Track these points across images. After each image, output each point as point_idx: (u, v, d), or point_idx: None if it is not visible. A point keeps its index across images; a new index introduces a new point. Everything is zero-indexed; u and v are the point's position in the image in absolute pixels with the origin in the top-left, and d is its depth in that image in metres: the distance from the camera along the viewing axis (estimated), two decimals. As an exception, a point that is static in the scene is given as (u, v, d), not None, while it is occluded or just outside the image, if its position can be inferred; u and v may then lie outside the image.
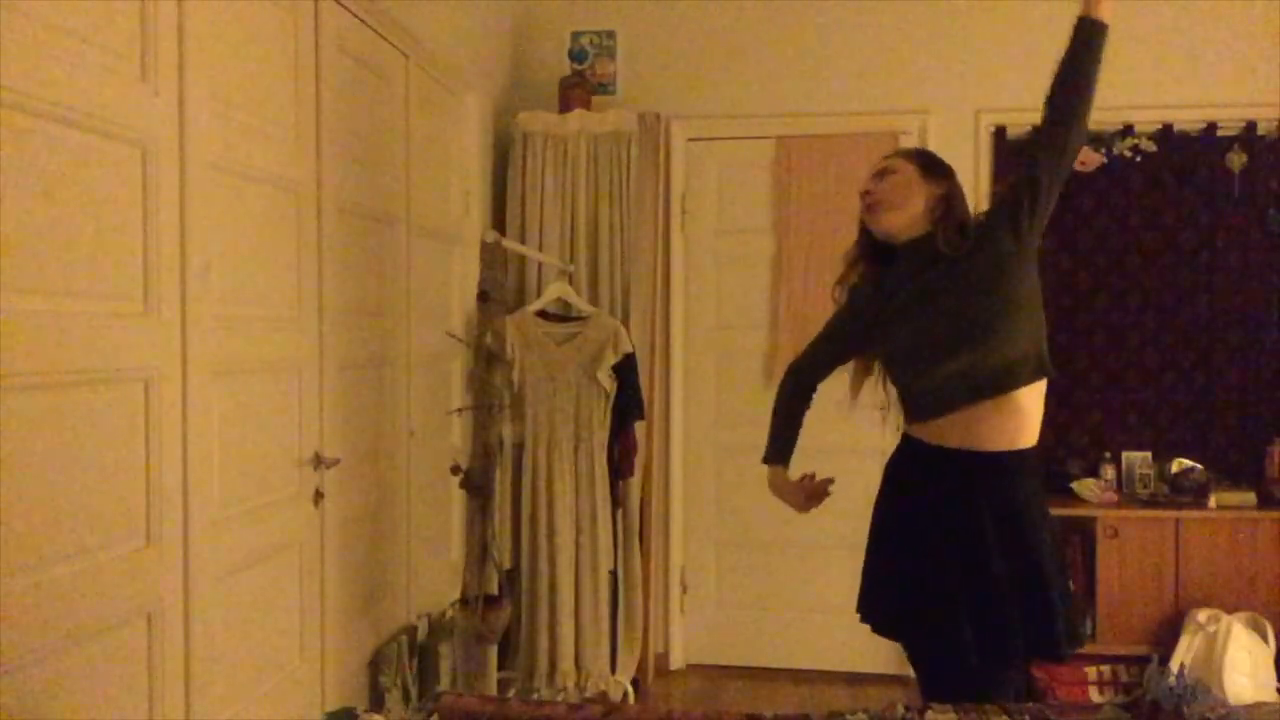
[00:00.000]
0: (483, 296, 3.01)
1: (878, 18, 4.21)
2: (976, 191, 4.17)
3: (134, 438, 1.92)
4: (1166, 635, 3.76)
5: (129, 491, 1.91)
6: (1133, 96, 4.08)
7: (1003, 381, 2.06)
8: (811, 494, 2.34)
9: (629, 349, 3.77)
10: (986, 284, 2.06)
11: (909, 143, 4.17)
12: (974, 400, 2.05)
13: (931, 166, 2.20)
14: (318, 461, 2.61)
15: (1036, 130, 2.13)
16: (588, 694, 3.68)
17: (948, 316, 2.07)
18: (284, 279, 2.48)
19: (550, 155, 3.99)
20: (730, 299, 4.36)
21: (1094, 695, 3.82)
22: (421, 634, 3.20)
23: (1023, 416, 2.08)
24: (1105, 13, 2.24)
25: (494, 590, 3.04)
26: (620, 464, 3.85)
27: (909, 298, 2.14)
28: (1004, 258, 2.06)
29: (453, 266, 3.67)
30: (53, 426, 1.72)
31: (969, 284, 2.06)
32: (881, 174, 2.22)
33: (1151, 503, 3.92)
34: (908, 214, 2.15)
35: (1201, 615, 3.69)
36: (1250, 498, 3.85)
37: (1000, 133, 4.16)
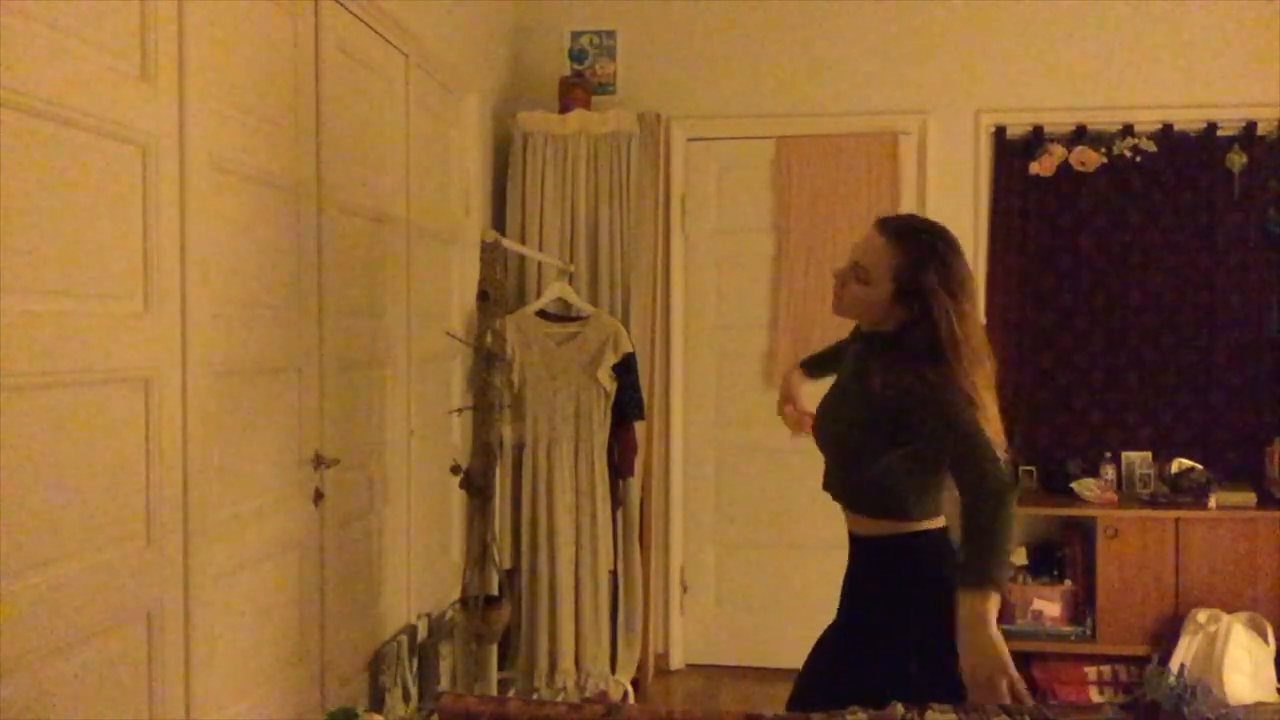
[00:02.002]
0: (483, 296, 3.01)
1: (878, 18, 4.21)
2: (977, 193, 4.18)
3: (134, 438, 1.92)
4: (1166, 635, 3.76)
5: (129, 491, 1.91)
6: (1133, 96, 4.09)
7: (847, 498, 2.09)
8: (794, 414, 2.34)
9: (629, 349, 3.77)
10: (864, 415, 2.00)
11: (908, 144, 4.18)
12: (831, 495, 2.14)
13: (909, 290, 1.95)
14: (318, 461, 2.60)
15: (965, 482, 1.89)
16: (588, 694, 3.68)
17: (839, 415, 2.09)
18: (284, 279, 2.48)
19: (550, 155, 3.99)
20: (730, 299, 4.36)
21: (1094, 695, 3.82)
22: (421, 634, 3.20)
23: (872, 524, 2.05)
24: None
25: (494, 590, 3.03)
26: (620, 464, 3.85)
27: (845, 373, 2.15)
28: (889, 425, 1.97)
29: (453, 266, 3.67)
30: (53, 426, 1.72)
31: (862, 400, 2.00)
32: (856, 268, 2.04)
33: (1151, 503, 3.92)
34: (867, 318, 2.06)
35: (1201, 615, 3.69)
36: (1250, 498, 3.85)
37: (1000, 133, 4.17)
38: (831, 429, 2.11)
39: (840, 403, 2.12)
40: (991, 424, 1.90)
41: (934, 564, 2.00)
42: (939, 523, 2.03)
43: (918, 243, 1.99)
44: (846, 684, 1.94)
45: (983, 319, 2.00)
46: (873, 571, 2.08)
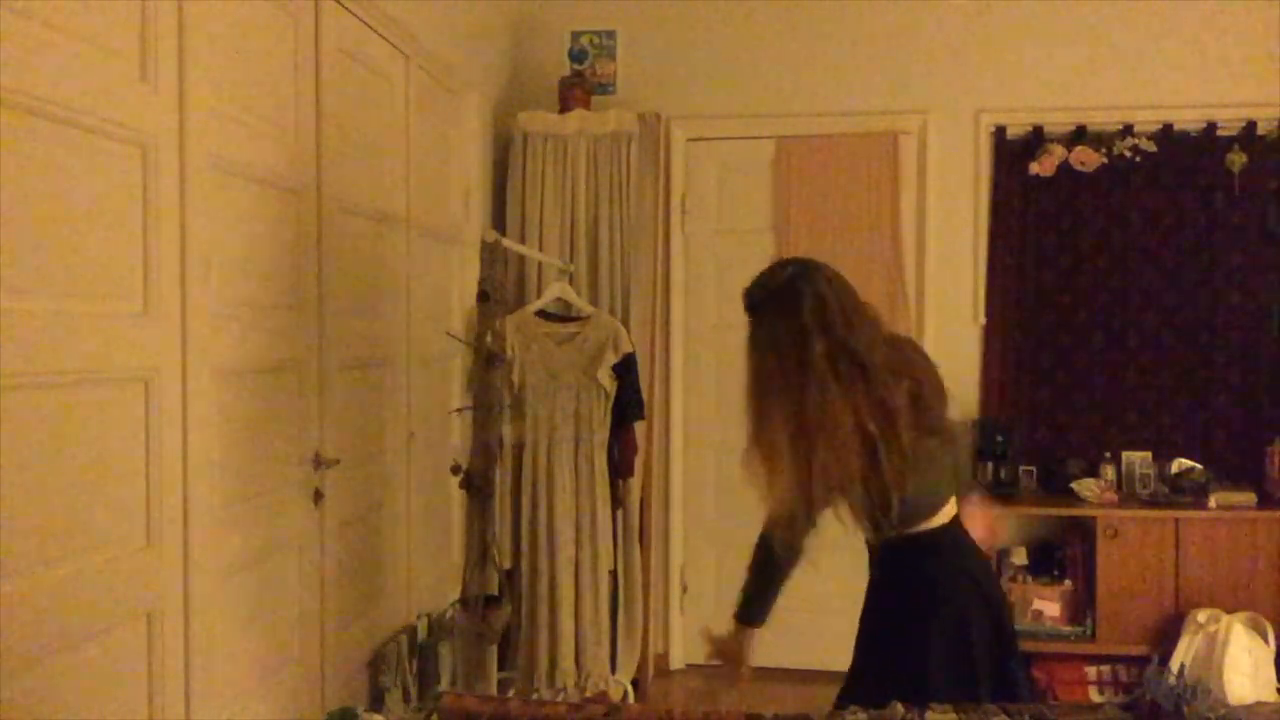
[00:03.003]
0: (483, 296, 3.01)
1: (878, 18, 4.21)
2: (977, 193, 4.18)
3: (134, 438, 1.92)
4: (1166, 635, 3.75)
5: (129, 491, 1.91)
6: (1133, 96, 4.09)
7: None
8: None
9: (629, 349, 3.77)
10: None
11: (908, 144, 4.18)
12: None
13: None
14: (318, 461, 2.60)
15: None
16: (588, 694, 3.68)
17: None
18: (284, 279, 2.48)
19: (550, 155, 3.99)
20: (730, 299, 4.33)
21: (1094, 695, 3.82)
22: (421, 634, 3.20)
23: None
24: None
25: (494, 590, 3.03)
26: (620, 464, 3.85)
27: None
28: None
29: (453, 266, 3.67)
30: (53, 426, 1.72)
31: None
32: None
33: (1151, 503, 3.92)
34: None
35: (1201, 615, 3.69)
36: (1250, 498, 3.85)
37: (1000, 132, 4.17)
38: None
39: None
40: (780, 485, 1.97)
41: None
42: (930, 524, 2.06)
43: (758, 321, 2.20)
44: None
45: (815, 373, 2.02)
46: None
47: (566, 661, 3.71)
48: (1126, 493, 4.02)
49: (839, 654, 4.32)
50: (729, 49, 4.29)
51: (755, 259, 4.26)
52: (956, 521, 2.11)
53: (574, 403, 3.74)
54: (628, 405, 3.79)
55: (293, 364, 2.52)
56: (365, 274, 2.95)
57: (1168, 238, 4.09)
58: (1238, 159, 4.02)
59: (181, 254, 2.03)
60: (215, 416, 2.16)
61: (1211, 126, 4.05)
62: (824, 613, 4.25)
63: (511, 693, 3.63)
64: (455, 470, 3.06)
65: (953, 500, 2.10)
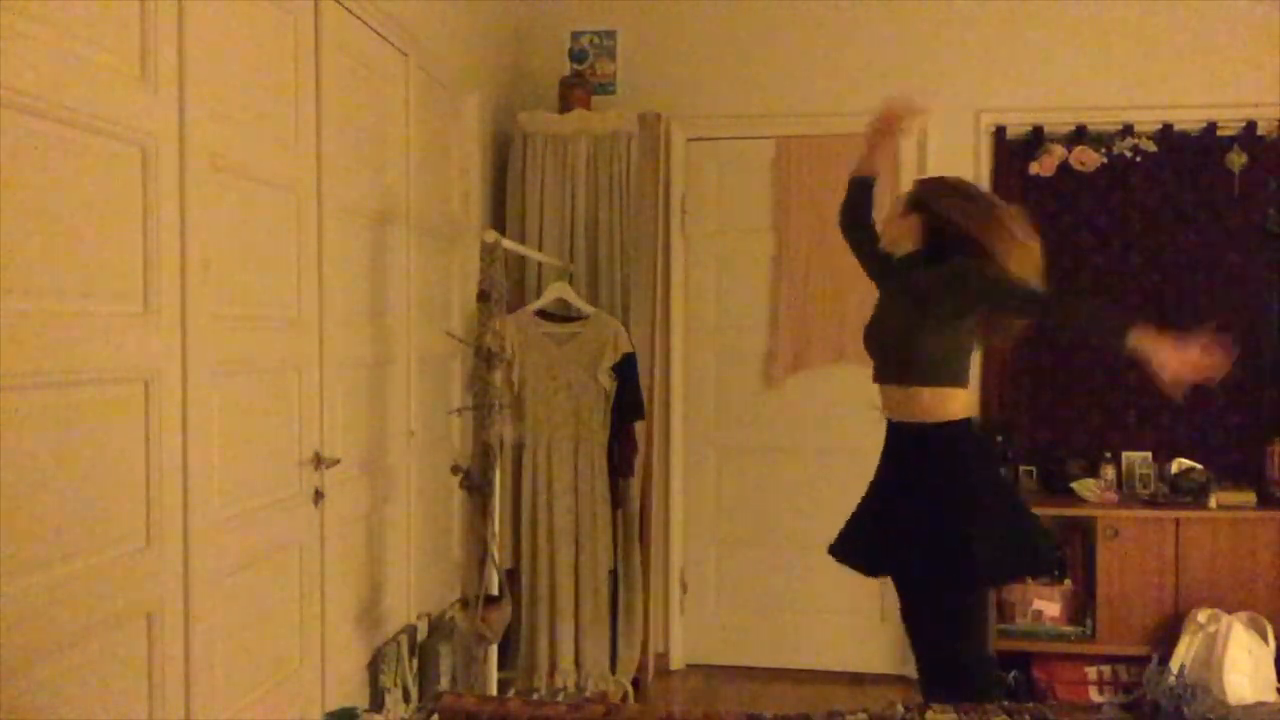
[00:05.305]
0: (483, 296, 3.01)
1: (878, 18, 4.21)
2: (976, 191, 4.18)
3: (134, 438, 1.92)
4: (1166, 635, 3.75)
5: (129, 491, 1.91)
6: (1133, 96, 4.09)
7: (895, 374, 2.58)
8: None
9: (629, 349, 3.77)
10: (918, 303, 2.54)
11: (908, 144, 4.18)
12: (878, 380, 2.63)
13: (915, 206, 2.65)
14: (318, 461, 2.61)
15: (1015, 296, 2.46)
16: (588, 694, 3.68)
17: (891, 310, 2.67)
18: (284, 279, 2.48)
19: (550, 155, 3.99)
20: (730, 299, 4.35)
21: (1094, 695, 3.82)
22: (421, 634, 3.20)
23: (916, 403, 2.52)
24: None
25: (494, 590, 3.04)
26: (620, 464, 3.85)
27: (893, 285, 2.71)
28: (933, 304, 2.51)
29: (453, 266, 3.67)
30: (53, 426, 1.72)
31: (911, 295, 2.57)
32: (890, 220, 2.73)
33: (1151, 503, 3.92)
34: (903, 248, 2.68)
35: (1201, 615, 3.69)
36: (1250, 498, 3.85)
37: (1000, 133, 4.17)
38: (892, 313, 2.74)
39: (901, 293, 2.74)
40: None
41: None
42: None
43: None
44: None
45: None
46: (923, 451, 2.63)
47: (566, 661, 3.71)
48: (1126, 493, 4.02)
49: (839, 654, 4.36)
50: (729, 49, 4.29)
51: (755, 259, 4.33)
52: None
53: (574, 403, 3.74)
54: (628, 405, 3.79)
55: (293, 364, 2.52)
56: (365, 274, 2.95)
57: (1168, 238, 4.09)
58: (1238, 159, 4.02)
59: (181, 254, 2.03)
60: (215, 416, 2.16)
61: (1211, 126, 4.05)
62: (824, 613, 4.26)
63: (511, 693, 3.63)
64: (455, 470, 3.06)
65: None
